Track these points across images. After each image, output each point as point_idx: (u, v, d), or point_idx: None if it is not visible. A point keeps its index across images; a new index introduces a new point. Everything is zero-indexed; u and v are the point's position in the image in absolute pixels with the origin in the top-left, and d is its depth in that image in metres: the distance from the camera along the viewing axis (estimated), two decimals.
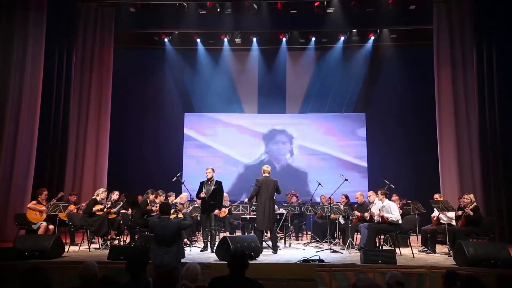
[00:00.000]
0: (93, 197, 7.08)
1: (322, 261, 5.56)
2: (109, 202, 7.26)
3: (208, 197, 6.60)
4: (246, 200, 7.30)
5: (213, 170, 6.84)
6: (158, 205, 7.30)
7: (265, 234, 7.18)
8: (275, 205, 7.14)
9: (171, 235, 4.80)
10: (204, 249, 6.64)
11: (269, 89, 11.65)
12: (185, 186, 7.54)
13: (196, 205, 7.88)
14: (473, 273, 4.81)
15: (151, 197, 7.36)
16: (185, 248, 6.92)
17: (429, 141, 9.81)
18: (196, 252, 6.54)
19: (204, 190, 6.64)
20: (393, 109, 11.15)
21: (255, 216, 7.60)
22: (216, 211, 6.74)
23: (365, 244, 6.48)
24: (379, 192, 6.85)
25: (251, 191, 9.59)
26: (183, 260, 5.03)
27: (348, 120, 11.59)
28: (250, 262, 3.33)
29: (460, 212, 6.64)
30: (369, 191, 7.74)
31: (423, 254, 6.66)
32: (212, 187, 6.64)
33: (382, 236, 7.09)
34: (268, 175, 6.81)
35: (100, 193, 7.11)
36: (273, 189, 6.70)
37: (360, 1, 9.63)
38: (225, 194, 9.32)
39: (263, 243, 6.91)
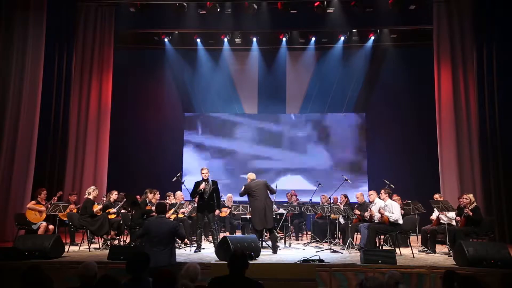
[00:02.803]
0: (86, 197, 7.04)
1: (322, 261, 5.56)
2: (103, 199, 7.26)
3: (208, 197, 6.60)
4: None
5: (208, 170, 6.85)
6: (155, 204, 7.32)
7: (265, 234, 7.18)
8: (274, 205, 7.18)
9: (167, 233, 4.83)
10: (198, 249, 6.61)
11: (269, 89, 11.65)
12: (185, 186, 7.54)
13: (196, 205, 7.88)
14: (472, 273, 4.81)
15: (150, 196, 7.35)
16: (185, 248, 6.99)
17: (429, 141, 9.80)
18: (197, 252, 6.54)
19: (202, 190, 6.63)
20: (393, 109, 11.14)
21: None
22: (217, 212, 6.73)
23: (365, 244, 6.48)
24: (382, 191, 6.83)
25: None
26: (182, 260, 5.03)
27: (348, 120, 11.60)
28: (250, 262, 3.33)
29: (458, 218, 6.65)
30: (369, 191, 7.74)
31: (423, 254, 6.66)
32: (210, 187, 6.65)
33: (382, 236, 7.09)
34: (254, 179, 6.86)
35: (92, 191, 7.06)
36: (265, 189, 6.73)
37: (360, 1, 9.63)
38: (229, 194, 9.37)
39: (263, 243, 6.92)
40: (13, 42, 8.30)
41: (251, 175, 6.97)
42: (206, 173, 6.73)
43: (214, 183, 6.75)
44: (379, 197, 6.90)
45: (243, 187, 6.87)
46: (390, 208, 6.51)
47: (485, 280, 4.85)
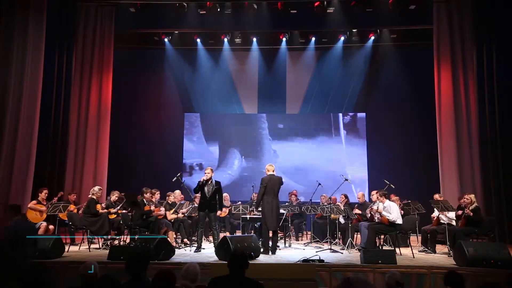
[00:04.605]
0: (90, 196, 7.06)
1: (322, 261, 5.57)
2: (107, 199, 7.27)
3: (210, 197, 6.61)
4: (253, 207, 7.24)
5: (212, 170, 6.85)
6: (154, 203, 7.33)
7: None
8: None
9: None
10: (198, 249, 6.61)
11: (269, 89, 11.64)
12: (185, 186, 7.54)
13: (196, 204, 7.87)
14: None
15: (147, 195, 7.35)
16: (185, 248, 6.99)
17: (429, 141, 9.79)
18: (196, 252, 6.54)
19: (205, 190, 6.64)
20: (393, 109, 11.14)
21: (255, 216, 7.61)
22: (218, 212, 6.73)
23: (365, 244, 6.48)
24: (378, 194, 6.85)
25: (251, 191, 9.60)
26: (182, 260, 5.03)
27: (348, 120, 11.60)
28: (250, 262, 3.33)
29: (460, 212, 6.65)
30: (369, 191, 7.75)
31: (423, 254, 6.67)
32: (213, 187, 6.66)
33: (382, 236, 7.09)
34: (272, 173, 6.75)
35: (96, 192, 7.09)
36: (278, 187, 6.65)
37: (360, 1, 9.62)
38: (225, 194, 9.37)
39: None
40: (13, 42, 8.30)
41: (271, 167, 6.81)
42: (209, 173, 6.73)
43: (217, 183, 6.75)
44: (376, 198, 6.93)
45: (260, 187, 6.67)
46: (388, 208, 6.52)
47: (489, 280, 4.85)
